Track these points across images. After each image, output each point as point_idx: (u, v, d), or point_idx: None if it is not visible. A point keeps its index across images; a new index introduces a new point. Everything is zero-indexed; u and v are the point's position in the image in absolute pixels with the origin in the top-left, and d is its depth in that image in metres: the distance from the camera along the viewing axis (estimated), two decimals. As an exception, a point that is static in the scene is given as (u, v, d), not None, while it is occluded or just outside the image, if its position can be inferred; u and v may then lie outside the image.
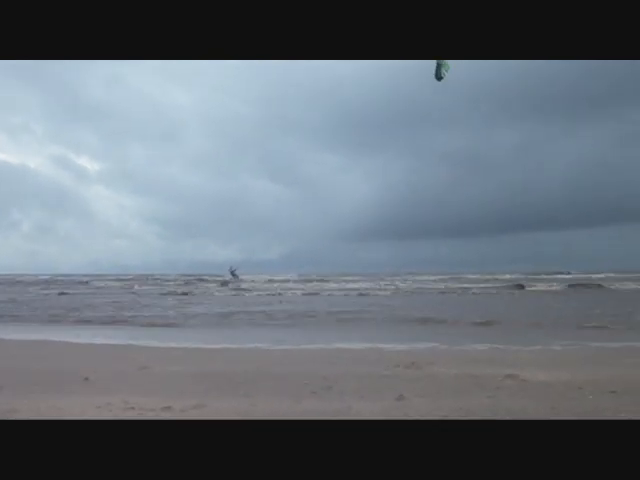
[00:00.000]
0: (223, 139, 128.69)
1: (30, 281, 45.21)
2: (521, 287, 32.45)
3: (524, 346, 9.24)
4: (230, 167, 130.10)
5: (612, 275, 41.75)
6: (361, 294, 27.57)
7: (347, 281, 40.62)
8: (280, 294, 28.77)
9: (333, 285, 36.62)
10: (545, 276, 44.13)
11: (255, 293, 30.02)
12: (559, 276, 45.31)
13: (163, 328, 13.66)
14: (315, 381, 6.03)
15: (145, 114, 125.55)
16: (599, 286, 32.81)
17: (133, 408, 4.87)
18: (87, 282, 43.45)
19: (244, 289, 33.88)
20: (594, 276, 41.33)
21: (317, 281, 42.72)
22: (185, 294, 28.86)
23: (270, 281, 42.27)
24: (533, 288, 31.81)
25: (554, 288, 31.93)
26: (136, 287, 36.70)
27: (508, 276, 43.53)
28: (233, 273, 46.41)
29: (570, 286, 33.13)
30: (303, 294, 28.70)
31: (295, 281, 42.91)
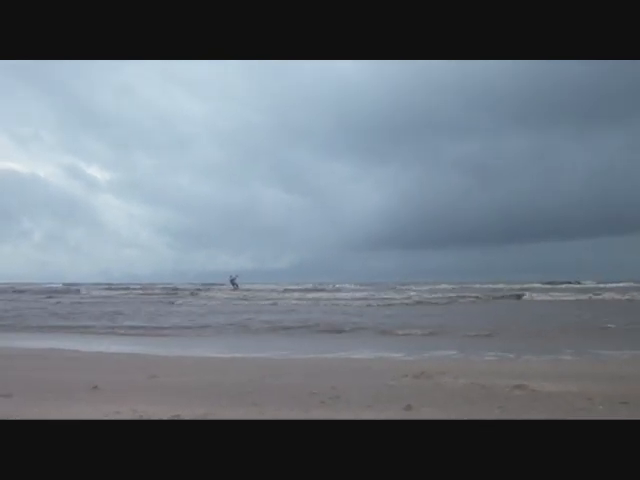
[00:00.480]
0: (234, 148, 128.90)
1: (38, 290, 45.56)
2: (524, 295, 32.12)
3: (533, 355, 9.18)
4: (241, 176, 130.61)
5: (631, 285, 40.65)
6: (369, 305, 27.46)
7: (354, 290, 40.52)
8: (282, 300, 28.74)
9: (343, 294, 36.49)
10: (554, 286, 43.78)
11: (256, 301, 30.04)
12: (568, 285, 44.97)
13: (151, 337, 13.71)
14: (324, 390, 6.01)
15: (155, 124, 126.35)
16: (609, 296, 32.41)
17: (141, 417, 4.88)
18: (79, 291, 44.13)
19: (244, 298, 33.85)
20: (606, 285, 40.84)
21: (326, 290, 42.69)
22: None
23: (273, 291, 42.22)
24: (545, 297, 31.47)
25: (565, 298, 31.61)
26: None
27: (518, 286, 43.23)
28: (233, 282, 46.13)
29: (577, 295, 32.76)
30: (311, 303, 28.63)
31: (302, 290, 42.85)
